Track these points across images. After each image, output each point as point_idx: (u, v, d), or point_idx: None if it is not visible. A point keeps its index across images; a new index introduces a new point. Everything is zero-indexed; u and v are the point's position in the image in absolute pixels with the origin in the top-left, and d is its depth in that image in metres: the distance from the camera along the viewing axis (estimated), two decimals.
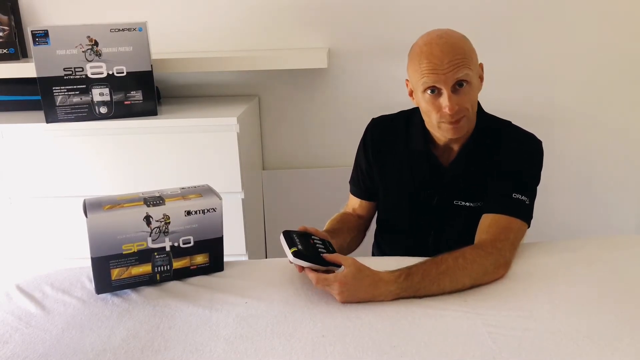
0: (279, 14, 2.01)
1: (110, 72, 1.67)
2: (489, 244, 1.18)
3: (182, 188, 1.25)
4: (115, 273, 1.14)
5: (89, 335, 1.02)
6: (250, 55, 1.83)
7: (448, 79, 1.17)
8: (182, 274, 1.21)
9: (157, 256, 1.17)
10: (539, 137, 1.32)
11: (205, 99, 2.06)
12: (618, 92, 2.08)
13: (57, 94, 1.66)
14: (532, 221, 1.28)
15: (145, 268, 1.17)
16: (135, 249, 1.14)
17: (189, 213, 1.17)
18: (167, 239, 1.17)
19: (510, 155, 1.29)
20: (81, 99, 1.68)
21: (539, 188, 1.31)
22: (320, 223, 1.33)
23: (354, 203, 1.49)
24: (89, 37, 1.63)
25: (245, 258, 1.83)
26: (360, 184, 1.46)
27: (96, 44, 1.64)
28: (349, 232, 1.41)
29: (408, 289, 1.09)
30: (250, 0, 2.00)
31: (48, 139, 1.72)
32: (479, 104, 1.32)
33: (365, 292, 1.08)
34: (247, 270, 1.25)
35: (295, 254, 1.12)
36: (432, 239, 1.38)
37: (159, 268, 1.18)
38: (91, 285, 1.17)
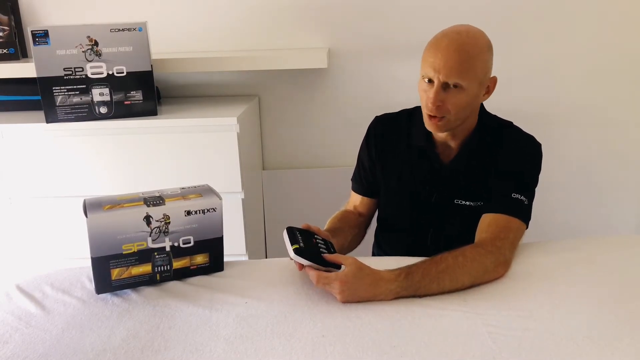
0: (279, 14, 2.01)
1: (110, 72, 1.67)
2: (488, 242, 1.19)
3: (182, 188, 1.25)
4: (115, 273, 1.14)
5: (89, 335, 1.02)
6: (250, 55, 1.83)
7: (440, 77, 1.19)
8: (182, 274, 1.21)
9: (157, 256, 1.17)
10: (539, 136, 1.33)
11: (205, 99, 2.06)
12: (618, 92, 2.08)
13: (57, 94, 1.66)
14: (532, 220, 1.28)
15: (145, 268, 1.17)
16: (135, 249, 1.14)
17: (189, 213, 1.17)
18: (167, 239, 1.17)
19: (510, 156, 1.29)
20: (81, 99, 1.68)
21: (538, 188, 1.31)
22: (320, 223, 1.33)
23: (355, 200, 1.49)
24: (89, 37, 1.63)
25: (245, 258, 1.83)
26: (362, 181, 1.46)
27: (96, 44, 1.64)
28: (350, 230, 1.41)
29: (408, 287, 1.09)
30: (250, 0, 2.00)
31: (48, 139, 1.72)
32: (481, 104, 1.32)
33: (366, 291, 1.08)
34: (247, 270, 1.25)
35: (296, 251, 1.12)
36: (432, 238, 1.38)
37: (159, 268, 1.18)
38: (91, 285, 1.17)
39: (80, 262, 1.28)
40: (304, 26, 2.03)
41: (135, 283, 1.17)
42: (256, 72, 2.08)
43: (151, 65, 1.71)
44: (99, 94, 1.68)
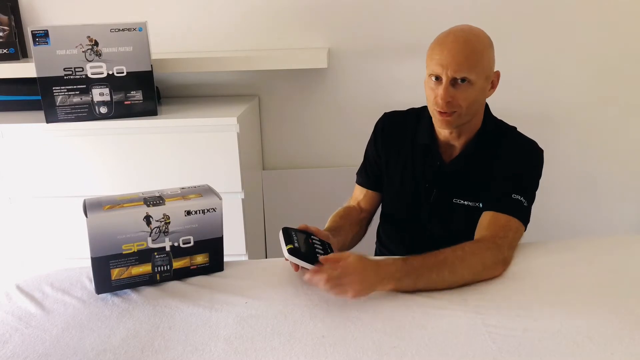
0: (279, 14, 2.01)
1: (110, 72, 1.67)
2: (488, 239, 1.19)
3: (182, 188, 1.25)
4: (115, 273, 1.14)
5: (89, 335, 1.02)
6: (250, 55, 1.83)
7: (449, 73, 1.20)
8: (182, 274, 1.21)
9: (157, 256, 1.17)
10: (538, 136, 1.33)
11: (205, 99, 2.07)
12: (618, 92, 2.08)
13: (57, 94, 1.66)
14: (532, 220, 1.28)
15: (145, 268, 1.17)
16: (135, 248, 1.14)
17: (189, 213, 1.17)
18: (167, 239, 1.17)
19: (512, 159, 1.30)
20: (81, 99, 1.68)
21: (539, 188, 1.31)
22: (320, 223, 1.33)
23: (359, 195, 1.50)
24: (89, 37, 1.63)
25: (245, 258, 1.83)
26: (367, 173, 1.48)
27: (96, 44, 1.64)
28: (352, 227, 1.42)
29: (409, 272, 1.10)
30: (250, 0, 2.00)
31: (48, 139, 1.72)
32: (487, 107, 1.34)
33: (372, 275, 1.08)
34: (247, 270, 1.25)
35: (290, 251, 1.12)
36: (430, 235, 1.38)
37: (159, 268, 1.18)
38: (91, 285, 1.17)
39: (80, 262, 1.28)
40: (304, 26, 2.03)
41: (135, 283, 1.17)
42: (256, 72, 2.08)
43: (151, 65, 1.71)
44: (99, 94, 1.69)
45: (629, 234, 2.21)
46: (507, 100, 1.99)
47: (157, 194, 1.20)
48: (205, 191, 1.23)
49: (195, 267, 1.21)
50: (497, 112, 1.38)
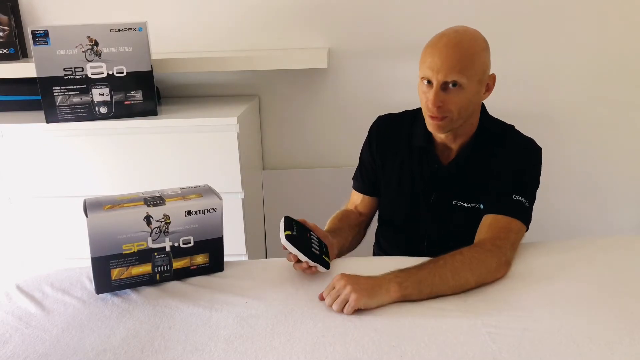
0: (278, 14, 2.01)
1: (110, 72, 1.67)
2: (489, 242, 1.19)
3: (182, 188, 1.25)
4: (115, 273, 1.14)
5: (89, 335, 1.02)
6: (250, 55, 1.83)
7: (439, 77, 1.18)
8: (182, 274, 1.21)
9: (157, 256, 1.17)
10: (538, 136, 1.33)
11: (205, 99, 2.07)
12: (618, 92, 2.08)
13: (57, 94, 1.66)
14: (533, 220, 1.28)
15: (145, 268, 1.17)
16: (135, 249, 1.14)
17: (189, 213, 1.17)
18: (167, 239, 1.17)
19: (511, 158, 1.29)
20: (81, 99, 1.68)
21: (539, 188, 1.31)
22: (320, 223, 1.33)
23: (356, 199, 1.49)
24: (89, 37, 1.63)
25: (245, 258, 1.83)
26: (363, 179, 1.47)
27: (96, 44, 1.64)
28: (350, 230, 1.42)
29: (409, 276, 1.09)
30: (250, 0, 2.00)
31: (48, 139, 1.72)
32: (483, 106, 1.33)
33: (365, 280, 1.07)
34: (247, 270, 1.25)
35: (287, 237, 1.12)
36: (430, 238, 1.38)
37: (159, 268, 1.18)
38: (91, 285, 1.17)
39: (80, 262, 1.28)
40: (304, 26, 2.03)
41: (135, 283, 1.17)
42: (256, 72, 2.08)
43: (151, 65, 1.71)
44: (99, 94, 1.69)
45: (629, 234, 2.21)
46: (507, 100, 2.00)
47: (157, 194, 1.20)
48: (206, 191, 1.23)
49: (195, 267, 1.21)
50: (497, 111, 1.38)
